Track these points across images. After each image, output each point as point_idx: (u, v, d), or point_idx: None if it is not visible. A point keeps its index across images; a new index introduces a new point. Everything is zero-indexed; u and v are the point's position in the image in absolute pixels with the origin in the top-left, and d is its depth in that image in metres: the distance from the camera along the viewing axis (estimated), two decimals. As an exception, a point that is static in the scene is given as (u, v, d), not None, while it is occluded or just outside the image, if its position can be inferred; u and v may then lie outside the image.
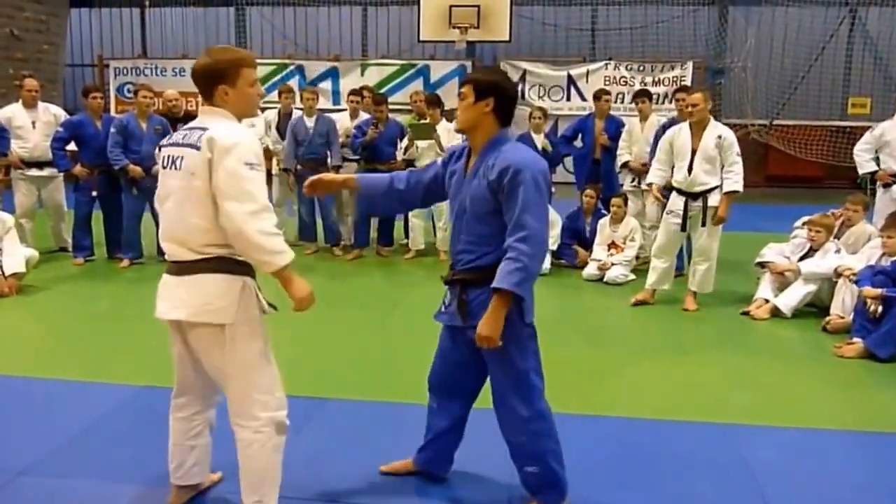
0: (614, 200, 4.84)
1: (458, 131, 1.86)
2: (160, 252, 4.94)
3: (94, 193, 4.90)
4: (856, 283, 3.53)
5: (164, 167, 1.73)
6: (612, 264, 4.68)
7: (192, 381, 1.83)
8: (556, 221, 4.94)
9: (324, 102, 5.82)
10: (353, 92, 5.71)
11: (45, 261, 4.81)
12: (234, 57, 1.70)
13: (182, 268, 1.70)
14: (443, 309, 1.91)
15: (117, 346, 3.32)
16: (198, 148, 1.63)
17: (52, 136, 4.85)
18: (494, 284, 1.70)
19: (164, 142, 1.78)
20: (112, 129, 4.76)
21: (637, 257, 4.79)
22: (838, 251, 3.93)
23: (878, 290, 3.33)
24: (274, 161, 5.71)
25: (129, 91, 9.04)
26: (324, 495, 2.04)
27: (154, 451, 2.24)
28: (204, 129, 1.67)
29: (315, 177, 1.89)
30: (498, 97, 1.78)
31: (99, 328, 3.62)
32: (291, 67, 9.34)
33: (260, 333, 1.72)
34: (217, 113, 1.70)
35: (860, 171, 4.84)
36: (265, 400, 1.73)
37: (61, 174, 5.07)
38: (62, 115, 5.18)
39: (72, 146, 4.94)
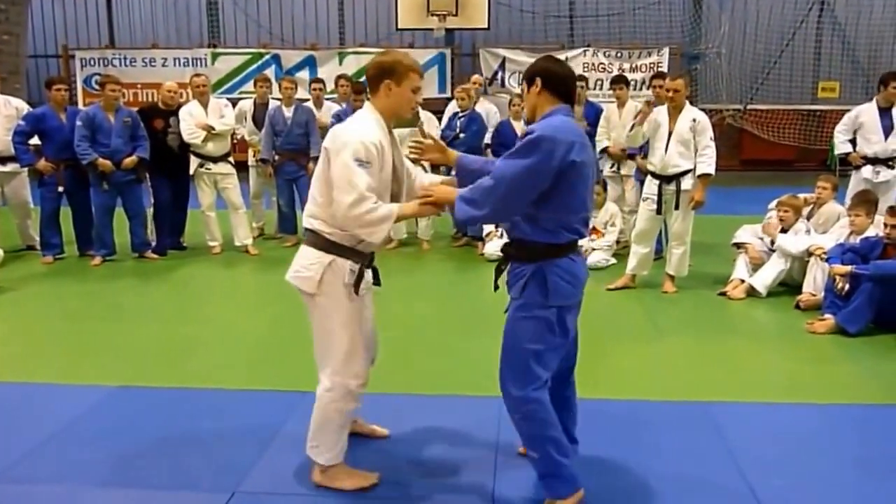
0: (594, 187, 4.88)
1: (527, 122, 1.91)
2: (134, 248, 4.95)
3: (60, 189, 4.75)
4: (826, 261, 3.64)
5: None
6: (593, 249, 4.74)
7: None
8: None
9: (301, 92, 5.73)
10: (315, 80, 5.73)
11: (11, 260, 4.68)
12: (409, 61, 1.92)
13: (306, 234, 1.97)
14: None
15: (89, 347, 3.24)
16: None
17: (13, 129, 4.68)
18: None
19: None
20: (78, 123, 4.60)
21: (617, 242, 4.86)
22: (808, 231, 4.05)
23: (847, 267, 3.45)
24: (250, 152, 5.62)
25: (96, 83, 8.74)
26: (308, 487, 2.04)
27: (127, 453, 2.22)
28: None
29: (428, 143, 2.07)
30: (544, 76, 1.85)
31: (70, 328, 3.54)
32: (267, 57, 9.15)
33: (343, 308, 1.91)
34: (368, 109, 1.92)
35: (836, 152, 4.98)
36: (339, 368, 1.93)
37: (25, 169, 4.90)
38: (24, 108, 5.00)
39: (35, 140, 4.78)
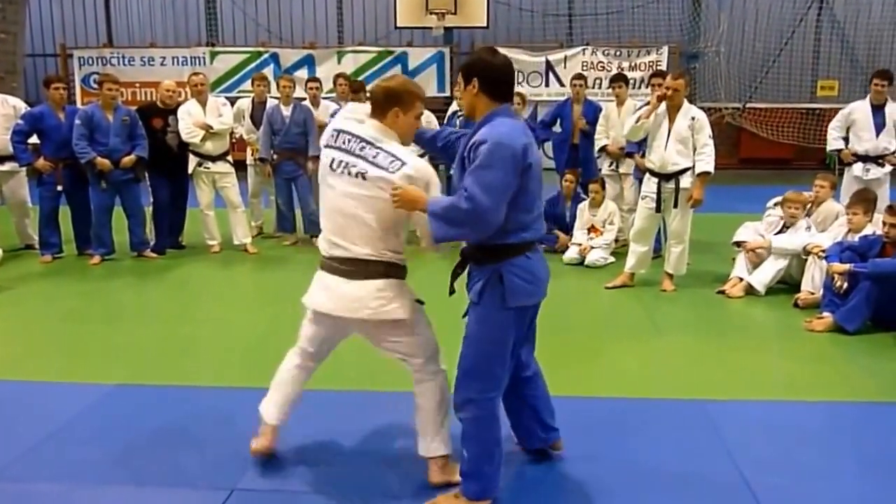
0: (592, 186, 4.90)
1: (467, 118, 1.93)
2: (132, 247, 4.95)
3: (59, 188, 4.75)
4: (825, 259, 3.65)
5: (333, 169, 1.94)
6: (592, 248, 4.75)
7: (327, 352, 2.22)
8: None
9: (299, 91, 5.73)
10: (311, 79, 5.76)
11: (10, 259, 4.68)
12: (415, 89, 2.00)
13: (351, 267, 1.92)
14: None
15: (87, 346, 3.24)
16: (391, 172, 1.86)
17: (11, 129, 4.68)
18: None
19: (330, 142, 1.98)
20: (77, 121, 4.59)
21: (616, 240, 4.87)
22: (808, 228, 4.06)
23: (845, 266, 3.45)
24: (249, 151, 5.61)
25: (94, 82, 8.73)
26: (306, 484, 2.04)
27: (126, 451, 2.22)
28: (393, 155, 1.88)
29: None
30: (481, 75, 1.81)
31: (68, 327, 3.53)
32: (265, 55, 9.15)
33: (422, 313, 2.05)
34: (390, 135, 1.95)
35: (828, 148, 5.00)
36: (438, 358, 2.07)
37: (23, 169, 4.90)
38: (22, 107, 4.99)
39: (33, 139, 4.77)
